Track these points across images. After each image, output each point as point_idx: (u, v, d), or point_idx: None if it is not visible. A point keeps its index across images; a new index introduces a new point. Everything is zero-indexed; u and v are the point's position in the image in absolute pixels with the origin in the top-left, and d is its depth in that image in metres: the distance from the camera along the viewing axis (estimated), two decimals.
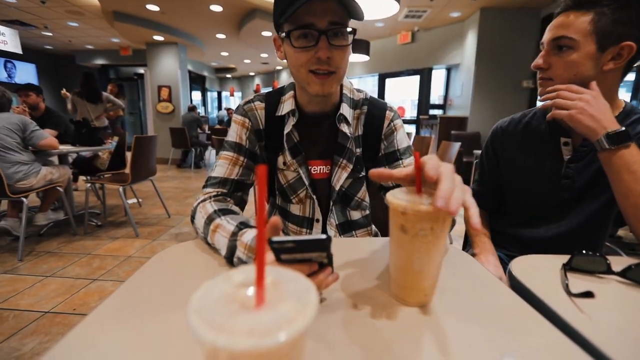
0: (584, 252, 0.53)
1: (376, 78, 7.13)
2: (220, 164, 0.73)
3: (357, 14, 0.63)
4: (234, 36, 6.43)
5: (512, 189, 0.92)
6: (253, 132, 0.77)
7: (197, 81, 10.34)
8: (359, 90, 0.81)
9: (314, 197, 0.79)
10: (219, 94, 12.89)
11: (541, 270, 0.55)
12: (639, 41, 0.68)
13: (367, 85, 7.86)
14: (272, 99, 0.79)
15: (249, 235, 0.51)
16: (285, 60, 0.72)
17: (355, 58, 4.27)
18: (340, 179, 0.77)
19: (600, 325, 0.40)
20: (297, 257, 0.38)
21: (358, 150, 0.78)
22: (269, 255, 0.40)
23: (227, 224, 0.56)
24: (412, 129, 6.46)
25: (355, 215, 0.84)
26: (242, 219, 0.58)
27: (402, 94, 7.11)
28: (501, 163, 0.93)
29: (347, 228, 0.82)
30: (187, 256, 0.57)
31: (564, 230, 0.84)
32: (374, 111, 0.79)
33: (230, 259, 0.52)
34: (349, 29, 0.64)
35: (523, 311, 0.43)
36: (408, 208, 0.37)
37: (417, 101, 6.47)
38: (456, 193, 0.35)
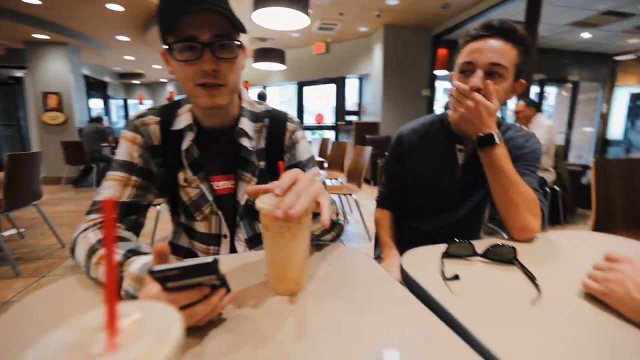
0: (456, 240, 0.63)
1: (295, 86, 7.28)
2: (108, 186, 0.66)
3: (239, 27, 0.63)
4: (139, 39, 5.86)
5: (416, 190, 1.02)
6: (147, 149, 0.72)
7: (96, 87, 9.09)
8: (259, 103, 0.82)
9: (220, 213, 0.77)
10: (125, 101, 11.58)
11: (427, 260, 0.62)
12: (527, 80, 0.81)
13: (287, 93, 7.96)
14: (168, 113, 0.74)
15: (136, 265, 0.46)
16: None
17: (272, 67, 4.29)
18: (245, 193, 0.77)
19: (464, 302, 0.48)
20: (185, 283, 0.37)
21: (262, 163, 0.78)
22: (153, 286, 0.37)
23: None
24: (331, 134, 6.77)
25: None
26: (130, 246, 0.53)
27: (321, 101, 7.39)
28: (406, 167, 1.02)
29: (256, 242, 0.82)
30: (65, 296, 0.50)
31: (453, 221, 0.97)
32: (276, 124, 0.79)
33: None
34: (237, 42, 0.64)
35: (408, 301, 0.48)
36: (267, 210, 0.44)
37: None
38: (302, 200, 0.42)
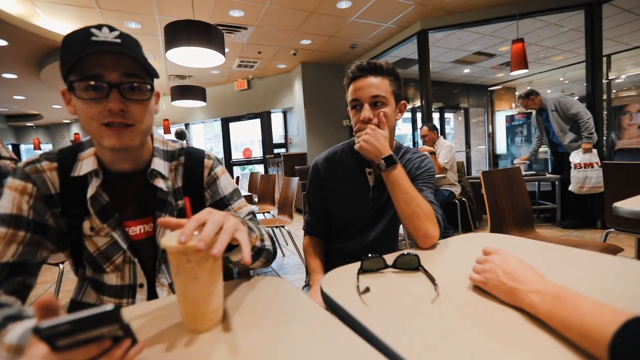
0: (370, 255, 0.68)
1: (219, 122, 7.18)
2: None
3: (151, 72, 0.63)
4: (31, 77, 5.22)
5: (336, 214, 1.08)
6: (41, 199, 0.63)
7: None
8: (174, 141, 0.80)
9: (135, 260, 0.71)
10: (16, 147, 9.96)
11: (344, 278, 0.66)
12: (406, 101, 0.99)
13: (214, 130, 7.79)
14: (66, 157, 0.68)
15: (15, 333, 0.40)
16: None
17: (192, 104, 4.19)
18: (164, 235, 0.72)
19: (376, 312, 0.51)
20: (80, 338, 0.33)
21: (180, 202, 0.75)
22: (39, 348, 0.33)
23: None
24: (261, 168, 6.76)
25: None
26: (8, 312, 0.45)
27: (249, 136, 7.38)
28: (325, 194, 1.08)
29: None
30: None
31: (372, 239, 1.04)
32: (192, 161, 0.78)
33: None
34: (148, 85, 0.63)
35: (326, 321, 0.50)
36: (168, 246, 0.43)
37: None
38: (221, 238, 0.42)
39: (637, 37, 5.18)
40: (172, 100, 4.12)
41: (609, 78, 5.16)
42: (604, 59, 3.81)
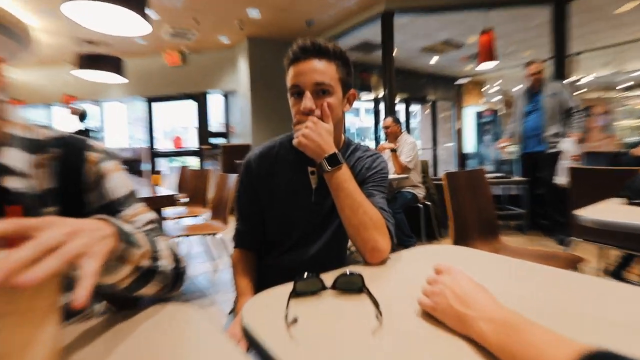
0: (305, 276, 0.64)
1: (145, 103, 6.74)
2: None
3: None
4: None
5: (272, 221, 1.03)
6: None
7: None
8: (47, 127, 0.69)
9: None
10: None
11: (272, 305, 0.61)
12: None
13: (137, 111, 7.29)
14: None
15: None
16: None
17: (103, 77, 3.85)
18: None
19: (302, 350, 0.48)
20: None
21: (52, 208, 0.65)
22: None
23: None
24: (196, 161, 6.47)
25: None
26: None
27: (182, 122, 7.03)
28: (259, 197, 1.02)
29: None
30: None
31: (315, 252, 1.01)
32: (70, 154, 0.68)
33: None
34: None
35: None
36: None
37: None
38: (49, 262, 0.35)
39: (603, 37, 5.85)
40: (79, 68, 3.72)
41: (577, 77, 5.76)
42: (573, 57, 4.23)
